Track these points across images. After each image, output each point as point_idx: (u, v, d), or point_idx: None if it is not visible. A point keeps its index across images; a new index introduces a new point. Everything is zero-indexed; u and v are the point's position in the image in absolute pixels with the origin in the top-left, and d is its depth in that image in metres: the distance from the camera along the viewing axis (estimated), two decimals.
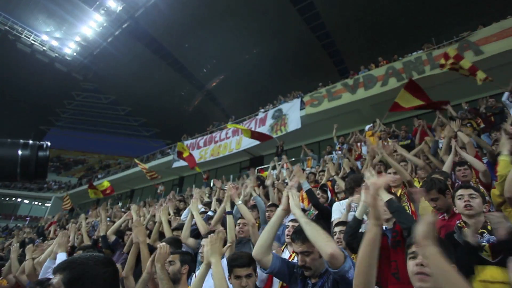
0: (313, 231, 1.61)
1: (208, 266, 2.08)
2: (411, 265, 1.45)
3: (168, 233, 3.73)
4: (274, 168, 9.36)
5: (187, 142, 19.19)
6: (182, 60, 25.96)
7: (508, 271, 1.06)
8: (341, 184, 4.37)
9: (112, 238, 4.37)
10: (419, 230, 1.13)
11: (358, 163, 7.56)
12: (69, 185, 31.23)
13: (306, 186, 3.75)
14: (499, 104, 7.10)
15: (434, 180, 2.74)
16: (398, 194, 3.26)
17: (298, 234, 1.79)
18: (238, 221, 3.63)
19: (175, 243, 3.06)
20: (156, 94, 29.43)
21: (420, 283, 1.36)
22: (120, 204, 22.14)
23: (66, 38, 25.84)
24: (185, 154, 12.78)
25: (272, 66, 23.82)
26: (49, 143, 1.00)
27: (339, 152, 8.40)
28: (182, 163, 18.62)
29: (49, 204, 29.94)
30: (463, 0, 16.57)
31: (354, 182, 3.28)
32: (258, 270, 2.20)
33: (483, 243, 1.91)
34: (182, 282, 2.32)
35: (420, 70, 10.30)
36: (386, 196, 2.23)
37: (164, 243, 2.30)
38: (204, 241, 2.23)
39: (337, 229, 2.76)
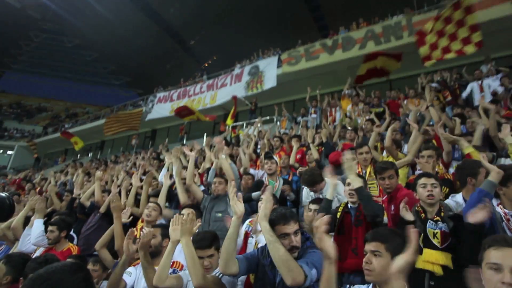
0: (279, 255, 1.63)
1: (175, 243, 2.12)
2: (364, 259, 1.62)
3: (144, 203, 3.80)
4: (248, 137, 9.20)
5: (160, 95, 18.58)
6: (155, 6, 23.88)
7: (467, 279, 1.28)
8: (314, 154, 4.51)
9: (87, 203, 4.39)
10: (397, 263, 1.29)
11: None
12: (33, 133, 29.71)
13: None
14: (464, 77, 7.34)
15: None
16: (368, 172, 3.46)
17: (290, 216, 1.80)
18: (214, 180, 3.78)
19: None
20: (127, 40, 27.33)
21: (366, 277, 1.58)
22: (90, 155, 21.67)
23: None
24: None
25: (252, 17, 22.61)
26: None
27: (314, 115, 8.55)
28: (153, 115, 18.18)
29: (11, 152, 28.59)
30: None
31: (308, 183, 3.43)
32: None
33: (436, 230, 2.14)
34: (162, 255, 2.35)
35: (399, 36, 10.30)
36: (356, 183, 2.38)
37: (148, 229, 2.29)
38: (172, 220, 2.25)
39: (312, 206, 2.90)
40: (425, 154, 3.15)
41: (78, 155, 21.35)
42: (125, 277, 2.32)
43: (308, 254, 1.79)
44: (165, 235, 2.43)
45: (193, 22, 25.00)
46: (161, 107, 18.06)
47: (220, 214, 3.45)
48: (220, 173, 4.22)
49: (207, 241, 2.19)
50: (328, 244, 1.40)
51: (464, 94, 6.85)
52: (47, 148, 25.80)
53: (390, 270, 1.30)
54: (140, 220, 3.53)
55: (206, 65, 22.43)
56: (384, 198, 3.03)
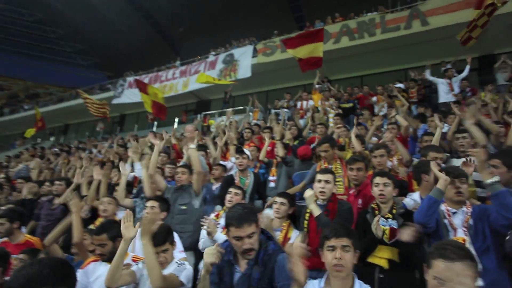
0: None
1: (128, 242, 2.03)
2: (329, 256, 1.61)
3: (104, 195, 3.66)
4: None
5: (130, 79, 17.82)
6: None
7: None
8: (280, 151, 4.54)
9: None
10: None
11: (303, 121, 7.86)
12: None
13: None
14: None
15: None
16: (334, 168, 3.50)
17: (244, 219, 1.72)
18: (177, 169, 3.73)
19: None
20: (98, 18, 25.58)
21: (337, 273, 1.59)
22: (52, 139, 20.47)
23: None
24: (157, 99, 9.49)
25: (229, 4, 22.02)
26: None
27: (286, 109, 8.59)
28: (122, 99, 17.44)
29: None
30: None
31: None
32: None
33: (386, 227, 2.26)
34: None
35: (372, 33, 10.52)
36: (316, 212, 2.47)
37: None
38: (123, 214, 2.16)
39: (278, 199, 2.89)
40: (377, 153, 3.32)
41: (39, 139, 20.04)
42: None
43: (279, 265, 1.74)
44: (114, 237, 2.27)
45: (170, 8, 23.98)
46: (132, 92, 17.31)
47: (184, 207, 3.37)
48: (186, 163, 4.09)
49: (161, 237, 2.16)
50: (300, 272, 1.42)
51: (430, 77, 7.17)
52: (2, 130, 24.07)
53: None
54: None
55: (200, 57, 21.48)
56: (351, 192, 3.15)
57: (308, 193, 2.59)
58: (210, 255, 1.74)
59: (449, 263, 1.23)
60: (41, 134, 20.75)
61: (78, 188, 4.27)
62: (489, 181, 2.02)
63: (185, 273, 2.12)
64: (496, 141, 3.72)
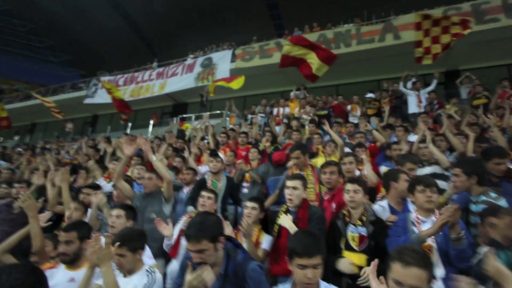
0: None
1: (92, 269, 1.91)
2: (300, 274, 1.58)
3: (68, 202, 3.46)
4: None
5: (105, 79, 17.25)
6: None
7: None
8: (254, 154, 4.55)
9: None
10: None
11: (278, 128, 7.93)
12: None
13: None
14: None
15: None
16: (306, 174, 3.54)
17: (195, 231, 1.68)
18: (145, 175, 3.60)
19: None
20: (69, 12, 24.64)
21: None
22: (17, 138, 19.37)
23: None
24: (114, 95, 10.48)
25: (209, 8, 21.94)
26: None
27: (262, 114, 8.65)
28: (96, 100, 16.82)
29: None
30: None
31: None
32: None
33: (355, 234, 2.31)
34: (83, 257, 2.19)
35: (348, 43, 10.87)
36: (292, 229, 2.46)
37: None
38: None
39: (249, 204, 2.88)
40: (347, 160, 3.47)
41: (1, 138, 18.83)
42: None
43: (250, 274, 1.72)
44: (82, 237, 2.17)
45: (148, 8, 23.49)
46: (106, 93, 16.77)
47: (154, 215, 3.22)
48: (152, 168, 3.95)
49: (118, 239, 2.05)
50: None
51: (403, 89, 7.56)
52: None
53: None
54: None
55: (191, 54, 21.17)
56: (326, 197, 3.21)
57: (282, 218, 2.62)
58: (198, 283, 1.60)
59: (406, 267, 1.31)
60: (4, 133, 19.56)
61: (43, 191, 4.02)
62: (454, 236, 1.97)
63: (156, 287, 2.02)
64: (458, 153, 3.93)
